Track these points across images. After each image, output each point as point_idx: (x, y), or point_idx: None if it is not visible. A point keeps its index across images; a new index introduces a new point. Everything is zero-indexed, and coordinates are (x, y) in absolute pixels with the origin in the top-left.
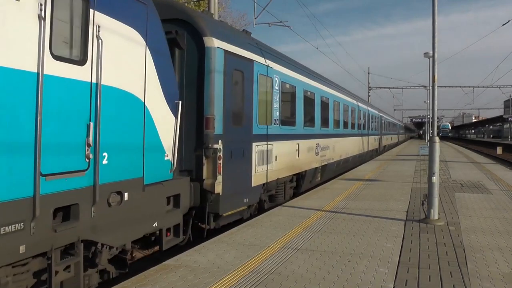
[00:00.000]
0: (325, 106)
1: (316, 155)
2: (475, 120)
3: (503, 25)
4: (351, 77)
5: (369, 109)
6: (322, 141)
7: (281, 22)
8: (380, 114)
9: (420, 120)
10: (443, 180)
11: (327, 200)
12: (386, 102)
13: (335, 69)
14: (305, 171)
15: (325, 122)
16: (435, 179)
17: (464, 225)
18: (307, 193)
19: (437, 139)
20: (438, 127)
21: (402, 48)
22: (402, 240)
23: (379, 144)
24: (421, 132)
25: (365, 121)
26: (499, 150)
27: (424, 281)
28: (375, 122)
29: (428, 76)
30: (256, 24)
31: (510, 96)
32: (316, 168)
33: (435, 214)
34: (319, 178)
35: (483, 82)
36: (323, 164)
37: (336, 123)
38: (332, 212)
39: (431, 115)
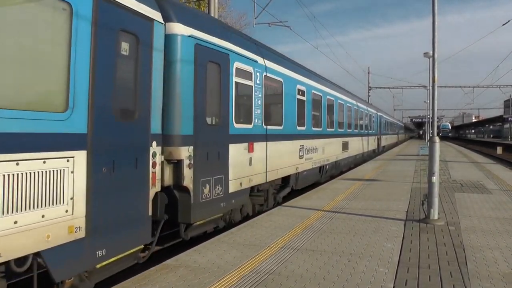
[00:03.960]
0: None
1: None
2: (475, 120)
3: (503, 25)
4: (351, 77)
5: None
6: None
7: (280, 22)
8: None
9: (420, 120)
10: (443, 180)
11: (327, 200)
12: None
13: (335, 69)
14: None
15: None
16: (435, 179)
17: (464, 225)
18: (307, 193)
19: (437, 139)
20: (438, 127)
21: (401, 48)
22: (402, 240)
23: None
24: (421, 132)
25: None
26: (499, 150)
27: (424, 281)
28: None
29: (428, 76)
30: (255, 24)
31: (510, 96)
32: None
33: (435, 214)
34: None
35: (483, 82)
36: None
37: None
38: (332, 212)
39: (431, 115)
